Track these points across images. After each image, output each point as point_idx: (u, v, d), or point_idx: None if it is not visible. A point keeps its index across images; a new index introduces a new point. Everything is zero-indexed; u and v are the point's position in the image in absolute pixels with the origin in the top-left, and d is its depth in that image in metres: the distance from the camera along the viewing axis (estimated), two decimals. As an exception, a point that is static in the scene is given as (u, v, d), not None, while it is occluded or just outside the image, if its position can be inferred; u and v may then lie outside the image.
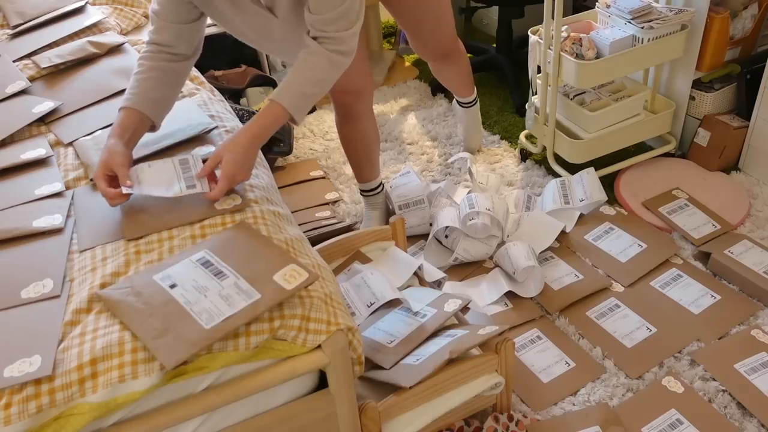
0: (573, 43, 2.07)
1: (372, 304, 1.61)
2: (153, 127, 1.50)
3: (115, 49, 1.97)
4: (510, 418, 1.54)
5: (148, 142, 1.57)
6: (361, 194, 2.17)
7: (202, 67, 2.19)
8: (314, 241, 1.83)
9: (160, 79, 1.47)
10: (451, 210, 2.05)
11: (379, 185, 2.15)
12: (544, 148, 2.35)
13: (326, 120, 2.79)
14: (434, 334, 1.50)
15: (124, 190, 1.34)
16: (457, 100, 2.45)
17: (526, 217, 2.12)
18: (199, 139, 1.58)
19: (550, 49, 2.11)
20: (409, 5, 1.88)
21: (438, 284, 1.85)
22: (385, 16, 3.36)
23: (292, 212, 2.22)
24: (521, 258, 1.89)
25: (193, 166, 1.41)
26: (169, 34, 1.47)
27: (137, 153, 1.54)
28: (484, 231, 1.96)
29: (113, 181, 1.37)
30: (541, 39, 2.13)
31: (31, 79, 1.87)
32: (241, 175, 1.37)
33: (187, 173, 1.40)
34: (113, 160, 1.36)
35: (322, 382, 1.26)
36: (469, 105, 2.43)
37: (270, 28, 1.49)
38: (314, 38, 1.41)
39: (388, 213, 2.21)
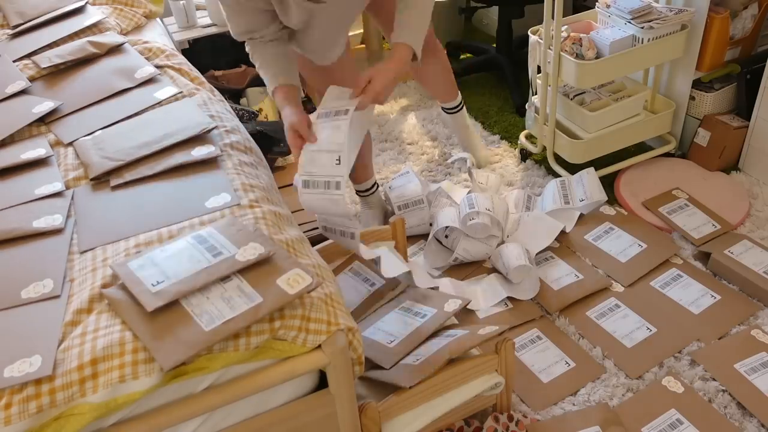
0: (573, 43, 2.07)
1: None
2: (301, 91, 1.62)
3: (115, 49, 1.97)
4: (510, 418, 1.54)
5: (149, 142, 1.57)
6: (356, 194, 2.18)
7: (202, 67, 2.19)
8: (314, 241, 1.83)
9: (283, 54, 1.60)
10: (451, 210, 2.05)
11: (373, 185, 2.16)
12: (544, 148, 2.35)
13: (326, 120, 2.79)
14: (434, 334, 1.50)
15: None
16: (442, 108, 2.41)
17: (526, 217, 2.12)
18: (199, 138, 1.58)
19: (550, 49, 2.11)
20: None
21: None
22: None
23: (292, 212, 2.22)
24: (512, 258, 1.89)
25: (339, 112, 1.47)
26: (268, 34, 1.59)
27: (138, 153, 1.54)
28: (484, 231, 1.96)
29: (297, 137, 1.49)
30: (541, 39, 2.13)
31: (31, 79, 1.87)
32: (383, 95, 1.49)
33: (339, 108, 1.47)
34: (301, 125, 1.48)
35: (322, 382, 1.26)
36: (454, 110, 2.39)
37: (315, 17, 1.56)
38: None
39: (386, 212, 2.21)
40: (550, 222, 2.08)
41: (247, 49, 1.62)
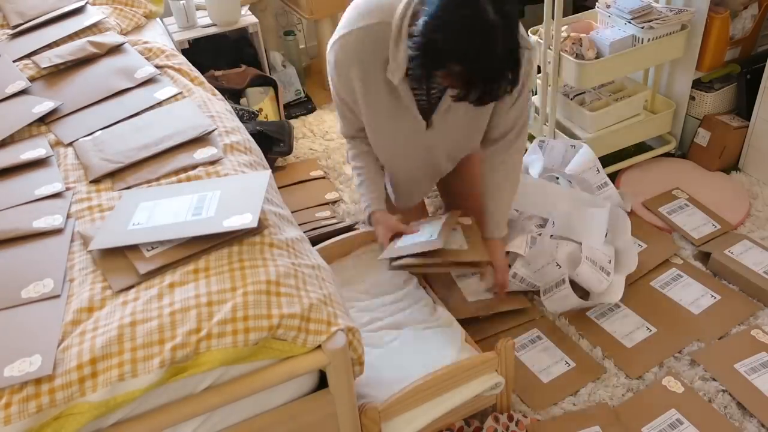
0: (573, 43, 2.07)
1: None
2: None
3: (115, 49, 1.97)
4: (510, 418, 1.54)
5: (148, 144, 1.57)
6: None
7: (202, 67, 2.19)
8: (314, 241, 1.83)
9: (379, 167, 1.78)
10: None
11: None
12: (544, 148, 2.35)
13: (326, 120, 2.79)
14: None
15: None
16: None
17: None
18: (199, 140, 1.58)
19: (550, 49, 2.11)
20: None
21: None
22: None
23: (292, 212, 2.21)
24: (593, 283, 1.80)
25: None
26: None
27: (138, 155, 1.54)
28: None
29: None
30: (541, 39, 2.14)
31: (31, 79, 1.87)
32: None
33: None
34: (397, 227, 1.70)
35: (322, 382, 1.26)
36: None
37: (419, 133, 1.65)
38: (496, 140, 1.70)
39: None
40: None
41: (348, 149, 1.77)
